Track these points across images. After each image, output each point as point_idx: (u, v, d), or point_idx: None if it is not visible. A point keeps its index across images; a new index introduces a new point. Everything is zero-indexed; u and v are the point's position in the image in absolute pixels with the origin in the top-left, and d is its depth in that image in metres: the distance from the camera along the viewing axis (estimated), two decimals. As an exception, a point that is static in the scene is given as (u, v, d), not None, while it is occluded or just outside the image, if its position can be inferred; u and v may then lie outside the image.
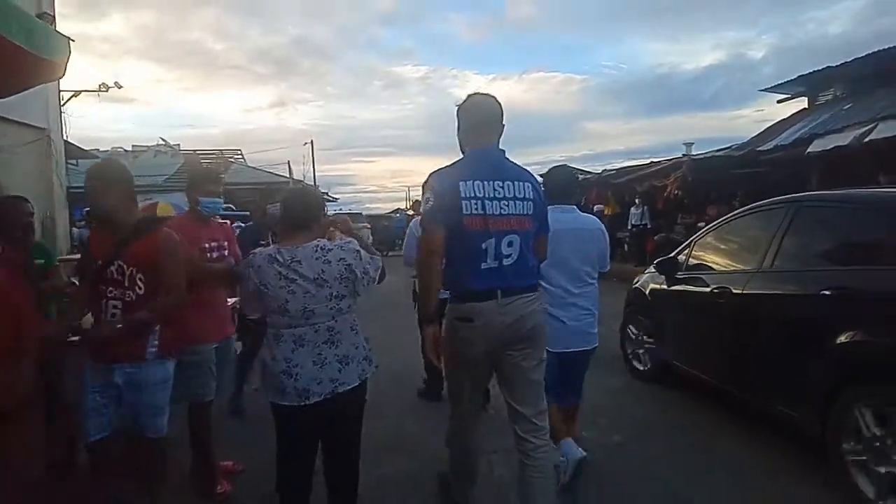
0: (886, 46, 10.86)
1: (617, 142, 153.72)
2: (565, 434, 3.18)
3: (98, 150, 27.17)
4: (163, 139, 28.10)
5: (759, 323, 3.66)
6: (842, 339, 2.92)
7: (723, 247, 4.46)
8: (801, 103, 14.29)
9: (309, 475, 2.43)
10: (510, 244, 2.41)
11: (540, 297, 2.54)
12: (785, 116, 14.12)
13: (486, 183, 2.40)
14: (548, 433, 2.56)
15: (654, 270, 5.13)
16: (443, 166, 2.52)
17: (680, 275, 4.74)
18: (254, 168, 27.52)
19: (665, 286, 4.91)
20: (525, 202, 2.46)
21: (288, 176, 26.66)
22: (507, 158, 2.56)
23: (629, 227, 15.10)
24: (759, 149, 11.95)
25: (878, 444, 2.78)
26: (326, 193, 29.91)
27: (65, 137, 9.80)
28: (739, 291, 3.79)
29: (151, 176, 23.30)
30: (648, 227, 14.45)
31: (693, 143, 19.37)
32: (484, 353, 2.46)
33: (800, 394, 3.24)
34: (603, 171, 16.79)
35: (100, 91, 12.33)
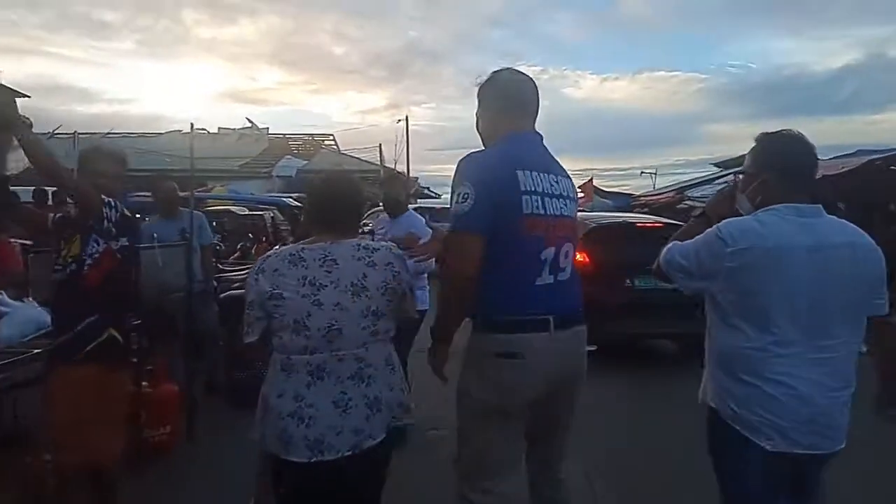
0: None
1: (738, 146, 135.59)
2: None
3: (180, 131, 25.98)
4: (249, 120, 26.50)
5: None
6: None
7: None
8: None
9: None
10: (566, 255, 1.99)
11: (585, 331, 2.08)
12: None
13: (543, 175, 1.93)
14: (566, 485, 2.17)
15: None
16: (481, 149, 2.01)
17: None
18: (340, 153, 25.05)
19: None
20: (570, 203, 2.04)
21: (379, 163, 23.84)
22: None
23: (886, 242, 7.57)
24: None
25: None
26: (428, 189, 26.73)
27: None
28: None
29: (226, 158, 21.46)
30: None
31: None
32: (530, 400, 1.97)
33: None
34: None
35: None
